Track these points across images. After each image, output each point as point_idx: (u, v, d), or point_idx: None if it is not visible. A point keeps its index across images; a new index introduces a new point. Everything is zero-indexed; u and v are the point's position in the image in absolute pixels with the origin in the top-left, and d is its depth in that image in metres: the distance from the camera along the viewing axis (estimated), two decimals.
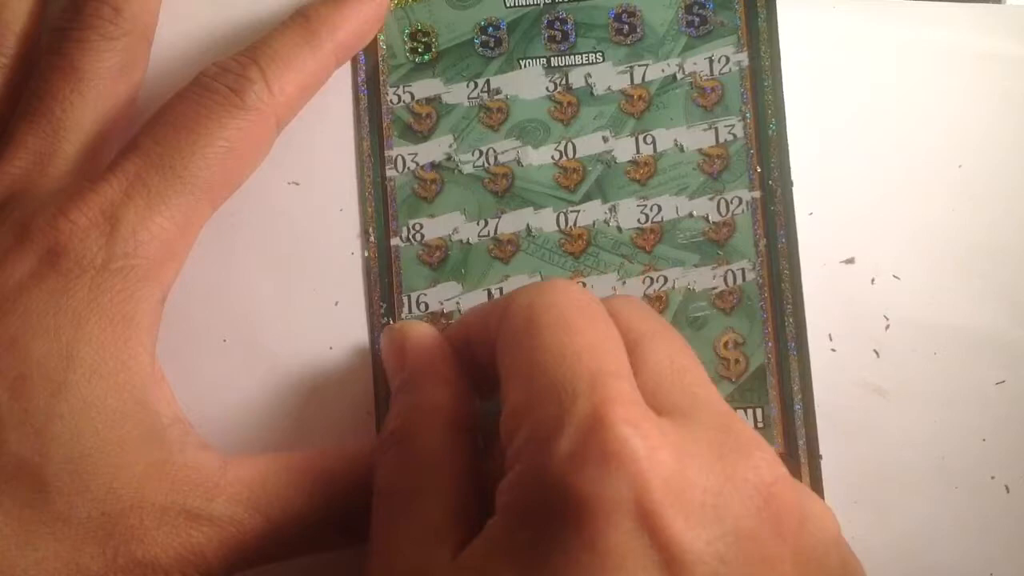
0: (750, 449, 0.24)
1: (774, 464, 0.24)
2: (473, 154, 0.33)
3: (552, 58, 0.33)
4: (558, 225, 0.32)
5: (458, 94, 0.33)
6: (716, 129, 0.32)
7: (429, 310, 0.32)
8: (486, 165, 0.32)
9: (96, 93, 0.30)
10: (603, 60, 0.33)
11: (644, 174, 0.32)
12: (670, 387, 0.25)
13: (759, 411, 0.32)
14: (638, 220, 0.32)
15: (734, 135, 0.32)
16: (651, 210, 0.32)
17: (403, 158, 0.32)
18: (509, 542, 0.23)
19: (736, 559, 0.22)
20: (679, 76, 0.33)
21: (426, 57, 0.33)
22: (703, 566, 0.22)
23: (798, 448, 0.31)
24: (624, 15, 0.33)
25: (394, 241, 0.32)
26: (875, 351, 0.32)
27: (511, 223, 0.32)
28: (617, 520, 0.22)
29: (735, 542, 0.22)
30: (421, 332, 0.29)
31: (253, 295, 0.32)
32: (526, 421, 0.24)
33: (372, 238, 0.32)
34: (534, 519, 0.23)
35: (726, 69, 0.33)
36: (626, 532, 0.22)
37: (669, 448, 0.23)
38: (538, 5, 0.33)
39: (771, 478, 0.23)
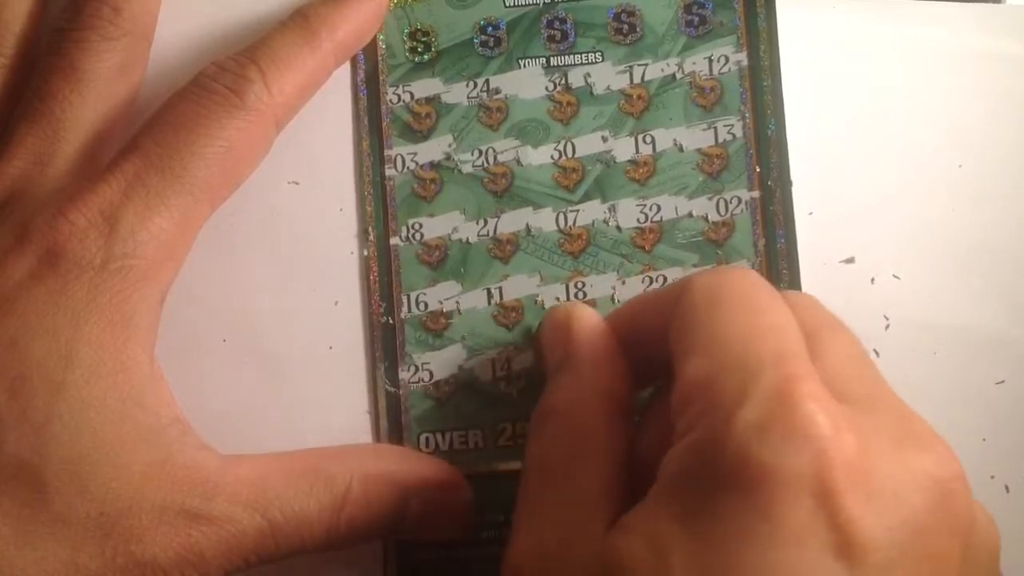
0: (930, 443, 0.23)
1: (953, 461, 0.23)
2: (472, 154, 0.33)
3: (551, 58, 0.33)
4: (557, 225, 0.32)
5: (457, 94, 0.33)
6: (715, 129, 0.32)
7: (429, 309, 0.32)
8: (485, 165, 0.33)
9: (96, 93, 0.30)
10: (602, 60, 0.33)
11: (643, 174, 0.32)
12: (848, 378, 0.25)
13: None
14: (637, 220, 0.32)
15: (733, 135, 0.32)
16: (650, 210, 0.32)
17: (402, 158, 0.32)
18: (680, 506, 0.23)
19: (910, 550, 0.22)
20: (678, 76, 0.32)
21: (425, 57, 0.33)
22: (878, 553, 0.21)
23: None
24: (623, 15, 0.33)
25: (393, 241, 0.32)
26: (875, 351, 0.32)
27: (510, 223, 0.32)
28: (798, 495, 0.22)
29: (911, 533, 0.22)
30: (587, 314, 0.30)
31: (253, 295, 0.32)
32: (705, 392, 0.24)
33: (371, 238, 0.32)
34: (709, 485, 0.22)
35: (725, 69, 0.32)
36: (806, 509, 0.21)
37: (853, 431, 0.22)
38: (537, 5, 0.33)
39: (950, 474, 0.23)
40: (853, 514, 0.21)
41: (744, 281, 0.26)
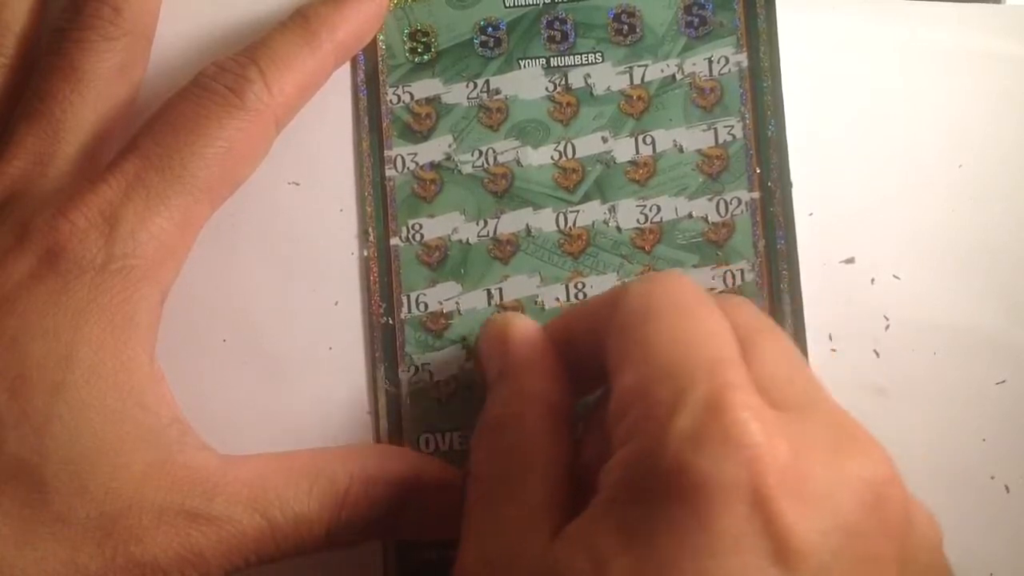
0: (864, 447, 0.24)
1: (886, 464, 0.23)
2: (472, 154, 0.33)
3: (551, 58, 0.33)
4: (557, 225, 0.32)
5: (457, 94, 0.33)
6: (715, 130, 0.32)
7: (428, 310, 0.32)
8: (485, 165, 0.33)
9: (96, 93, 0.30)
10: (602, 60, 0.33)
11: (643, 174, 0.32)
12: (783, 383, 0.25)
13: None
14: (637, 220, 0.32)
15: (733, 136, 0.32)
16: (650, 210, 0.32)
17: (402, 158, 0.32)
18: (617, 518, 0.23)
19: (845, 554, 0.22)
20: (678, 77, 0.33)
21: (425, 57, 0.33)
22: (814, 557, 0.22)
23: None
24: (623, 15, 0.33)
25: (393, 241, 0.32)
26: (875, 351, 0.32)
27: (510, 223, 0.32)
28: (733, 503, 0.22)
29: (846, 537, 0.22)
30: (523, 324, 0.29)
31: (253, 295, 0.32)
32: (640, 402, 0.24)
33: (371, 238, 0.32)
34: (645, 496, 0.22)
35: (725, 70, 0.32)
36: (741, 516, 0.22)
37: (786, 438, 0.23)
38: (537, 5, 0.33)
39: (883, 477, 0.23)
40: (788, 520, 0.22)
41: (676, 287, 0.26)
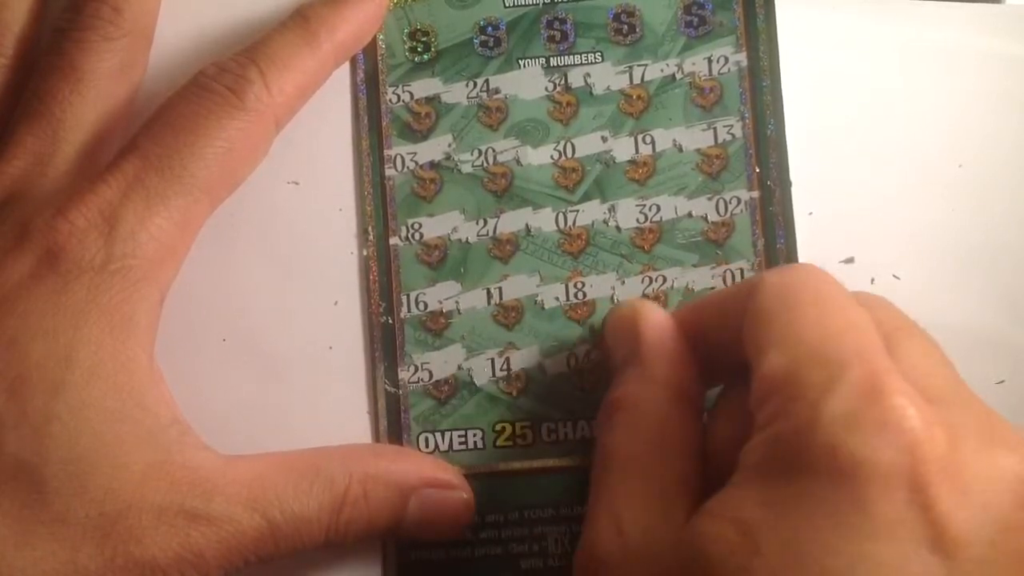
0: (1015, 443, 0.24)
1: None
2: (472, 153, 0.33)
3: (551, 58, 0.33)
4: (557, 225, 0.32)
5: (457, 94, 0.33)
6: (715, 129, 0.32)
7: (428, 309, 0.32)
8: (485, 164, 0.33)
9: (96, 93, 0.30)
10: (602, 60, 0.33)
11: (643, 174, 0.32)
12: (928, 379, 0.25)
13: None
14: (637, 220, 0.32)
15: (733, 135, 0.32)
16: (650, 210, 0.32)
17: (402, 157, 0.32)
18: (764, 494, 0.23)
19: (1002, 547, 0.22)
20: (678, 76, 0.32)
21: (425, 57, 0.33)
22: (971, 549, 0.22)
23: None
24: (623, 15, 0.33)
25: (393, 240, 0.32)
26: None
27: (510, 222, 0.32)
28: (892, 488, 0.22)
29: (1002, 531, 0.22)
30: (655, 311, 0.30)
31: (252, 295, 0.32)
32: (788, 385, 0.24)
33: (371, 237, 0.32)
34: (794, 474, 0.23)
35: (725, 69, 0.32)
36: (900, 502, 0.22)
37: (943, 426, 0.23)
38: (537, 5, 0.33)
39: None
40: (945, 508, 0.22)
41: (818, 277, 0.26)
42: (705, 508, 0.24)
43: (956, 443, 0.23)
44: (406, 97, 0.33)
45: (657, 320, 0.29)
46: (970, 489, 0.22)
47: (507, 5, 0.33)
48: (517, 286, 0.32)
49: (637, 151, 0.32)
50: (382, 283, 0.32)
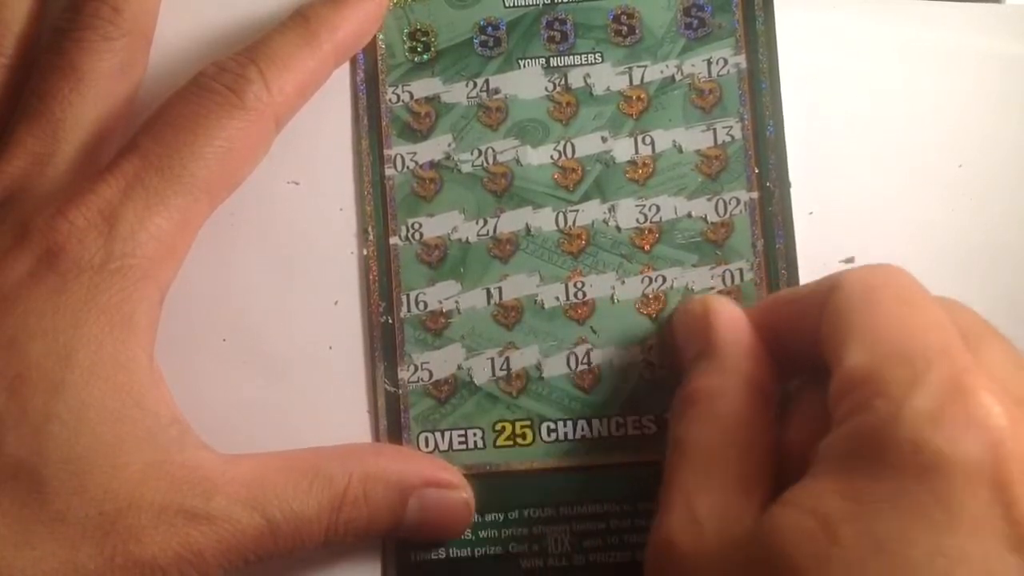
0: None
1: None
2: (472, 153, 0.33)
3: (551, 58, 0.33)
4: (557, 225, 0.32)
5: (457, 93, 0.33)
6: (714, 130, 0.32)
7: (428, 309, 0.32)
8: (485, 164, 0.33)
9: (96, 93, 0.30)
10: (602, 61, 0.33)
11: (643, 174, 0.32)
12: (1009, 380, 0.25)
13: None
14: (637, 220, 0.32)
15: (732, 136, 0.32)
16: (650, 210, 0.32)
17: (402, 157, 0.33)
18: (843, 486, 0.23)
19: None
20: (677, 78, 0.32)
21: (425, 56, 0.33)
22: None
23: None
24: (623, 16, 0.33)
25: (393, 240, 0.32)
26: None
27: (510, 222, 0.32)
28: (975, 485, 0.22)
29: None
30: (728, 305, 0.30)
31: (253, 295, 0.32)
32: (870, 381, 0.24)
33: (371, 237, 0.32)
34: (876, 468, 0.23)
35: (724, 71, 0.32)
36: (983, 500, 0.22)
37: None
38: (537, 5, 0.33)
39: None
40: None
41: (900, 277, 0.26)
42: (783, 499, 0.24)
43: None
44: (406, 97, 0.33)
45: (730, 313, 0.29)
46: None
47: (507, 5, 0.33)
48: (517, 286, 0.32)
49: (637, 151, 0.32)
50: (382, 283, 0.32)
